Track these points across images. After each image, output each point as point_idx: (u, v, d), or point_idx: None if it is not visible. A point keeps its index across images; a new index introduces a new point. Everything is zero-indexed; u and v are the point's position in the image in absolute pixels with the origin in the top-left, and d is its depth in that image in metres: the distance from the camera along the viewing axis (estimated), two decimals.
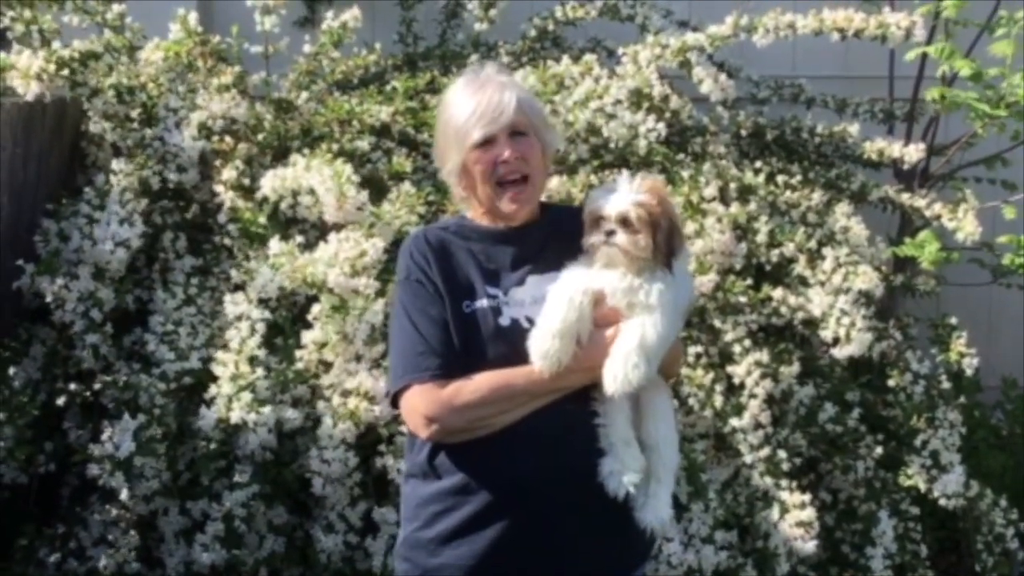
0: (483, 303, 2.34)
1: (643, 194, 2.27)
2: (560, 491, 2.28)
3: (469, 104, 2.40)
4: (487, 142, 2.38)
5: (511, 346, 2.29)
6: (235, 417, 3.32)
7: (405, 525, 2.44)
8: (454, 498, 2.32)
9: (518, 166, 2.39)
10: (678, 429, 2.51)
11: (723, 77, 4.18)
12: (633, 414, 2.35)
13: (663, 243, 2.27)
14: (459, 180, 2.45)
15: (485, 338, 2.31)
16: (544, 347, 2.25)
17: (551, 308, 2.28)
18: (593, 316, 2.29)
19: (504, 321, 2.33)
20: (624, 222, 2.26)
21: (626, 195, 2.28)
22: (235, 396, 3.33)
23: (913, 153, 4.38)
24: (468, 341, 2.31)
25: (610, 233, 2.27)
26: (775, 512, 3.62)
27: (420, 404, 2.30)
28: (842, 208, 4.17)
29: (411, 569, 2.39)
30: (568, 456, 2.29)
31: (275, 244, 3.55)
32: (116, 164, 3.83)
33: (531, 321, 2.31)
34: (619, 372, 2.23)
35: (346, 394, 3.41)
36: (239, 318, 3.51)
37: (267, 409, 3.36)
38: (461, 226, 2.48)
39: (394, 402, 2.39)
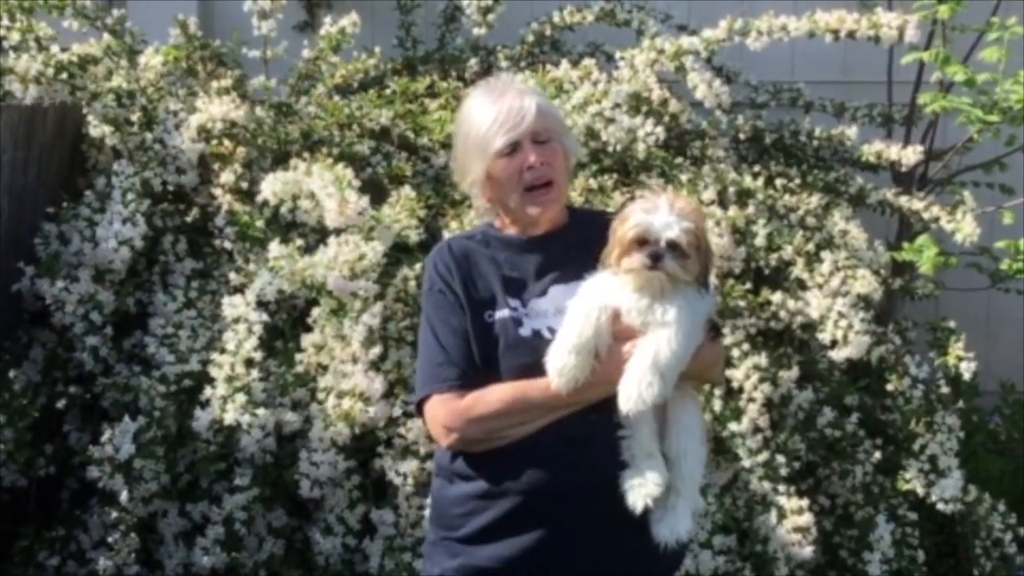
0: (504, 313, 2.33)
1: (686, 219, 2.23)
2: (583, 501, 2.27)
3: (490, 112, 2.39)
4: (512, 150, 2.38)
5: (532, 357, 2.28)
6: (229, 419, 3.33)
7: (431, 525, 2.46)
8: (477, 502, 2.33)
9: (544, 172, 2.38)
10: (705, 442, 2.47)
11: (717, 83, 4.19)
12: (659, 425, 2.33)
13: (704, 265, 2.26)
14: (483, 191, 2.44)
15: (506, 348, 2.31)
16: (560, 363, 2.23)
17: (568, 324, 2.26)
18: (612, 330, 2.26)
19: (525, 332, 2.32)
20: (673, 247, 2.21)
21: (674, 219, 2.22)
22: (230, 398, 3.34)
23: (911, 155, 4.38)
24: (489, 351, 2.31)
25: (657, 257, 2.22)
26: (773, 517, 3.62)
27: (440, 414, 2.31)
28: (841, 212, 4.18)
29: (430, 567, 2.41)
30: (590, 467, 2.28)
31: (275, 247, 3.56)
32: (118, 166, 3.84)
33: (553, 332, 2.29)
34: (633, 391, 2.20)
35: (341, 395, 3.41)
36: (237, 320, 3.52)
37: (262, 411, 3.37)
38: (486, 235, 2.48)
39: (419, 410, 2.41)
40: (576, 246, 2.38)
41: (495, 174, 2.39)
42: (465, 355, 2.32)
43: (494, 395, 2.28)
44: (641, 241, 2.23)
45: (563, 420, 2.28)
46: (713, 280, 3.56)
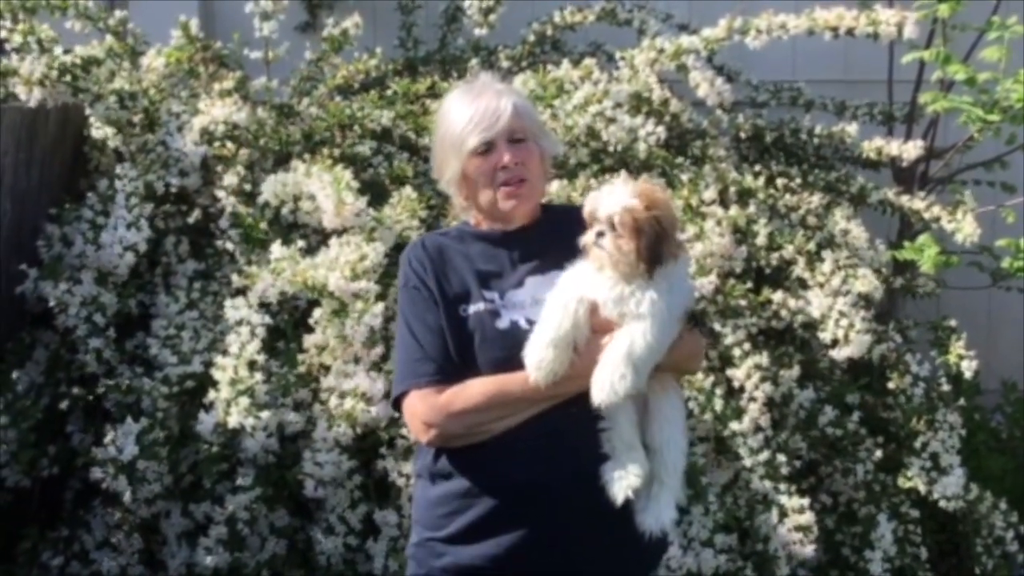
0: (479, 307, 2.35)
1: (633, 198, 2.25)
2: (566, 495, 2.28)
3: (466, 112, 2.41)
4: (486, 149, 2.40)
5: (511, 349, 2.29)
6: (233, 422, 3.33)
7: (414, 526, 2.47)
8: (460, 501, 2.33)
9: (518, 171, 2.40)
10: (686, 432, 2.50)
11: (719, 81, 4.20)
12: (640, 416, 2.34)
13: (645, 250, 2.24)
14: (459, 189, 2.47)
15: (483, 342, 2.32)
16: (538, 357, 2.24)
17: (546, 317, 2.27)
18: (591, 323, 2.27)
19: (502, 324, 2.33)
20: (612, 225, 2.25)
21: (618, 198, 2.26)
22: (233, 400, 3.34)
23: (911, 150, 4.38)
24: (465, 346, 2.32)
25: (599, 235, 2.26)
26: (774, 515, 3.63)
27: (419, 410, 2.32)
28: (841, 211, 4.18)
29: (415, 568, 2.41)
30: (572, 460, 2.29)
31: (277, 249, 3.57)
32: (121, 169, 3.85)
33: (531, 322, 2.31)
34: (605, 383, 2.22)
35: (343, 396, 3.42)
36: (239, 323, 3.52)
37: (266, 414, 3.37)
38: (461, 231, 2.50)
39: (397, 407, 2.42)
40: (551, 239, 2.40)
41: (469, 172, 2.41)
42: (442, 350, 2.33)
43: (473, 389, 2.28)
44: (591, 218, 2.29)
45: (543, 414, 2.29)
46: (713, 280, 3.55)
